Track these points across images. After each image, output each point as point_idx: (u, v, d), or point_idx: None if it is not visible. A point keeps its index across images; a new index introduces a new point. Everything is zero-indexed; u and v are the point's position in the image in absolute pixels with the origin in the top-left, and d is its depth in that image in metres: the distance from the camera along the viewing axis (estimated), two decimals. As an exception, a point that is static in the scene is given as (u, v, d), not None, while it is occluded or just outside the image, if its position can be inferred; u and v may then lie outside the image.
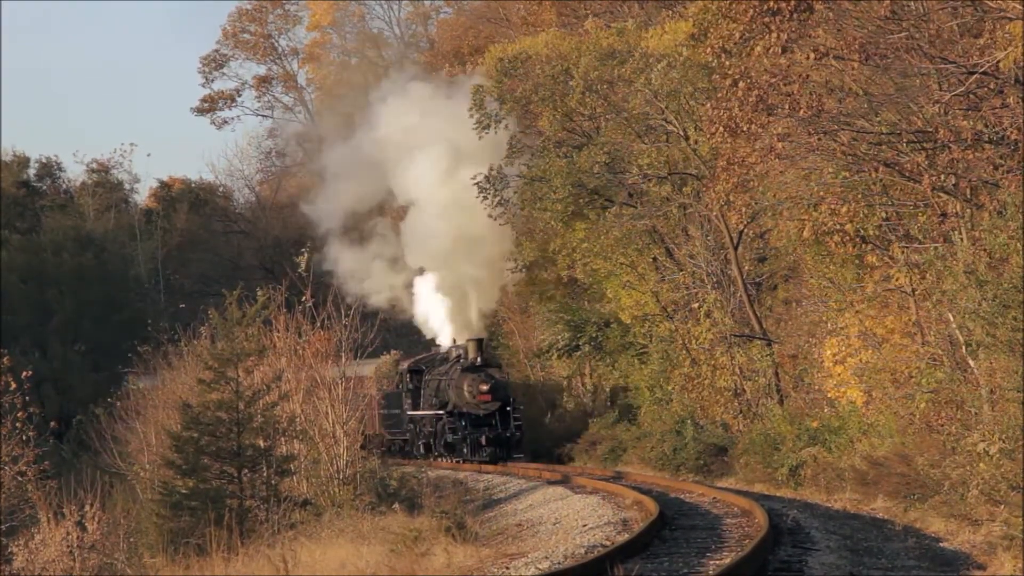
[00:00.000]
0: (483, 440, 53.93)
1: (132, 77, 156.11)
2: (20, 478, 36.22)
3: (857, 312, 38.54)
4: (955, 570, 24.14)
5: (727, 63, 41.09)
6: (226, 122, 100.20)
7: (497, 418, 54.34)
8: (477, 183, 53.58)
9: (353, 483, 35.81)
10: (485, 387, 54.37)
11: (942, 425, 32.39)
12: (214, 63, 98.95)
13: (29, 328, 72.45)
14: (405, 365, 59.43)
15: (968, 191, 31.87)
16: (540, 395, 62.36)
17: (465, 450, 54.33)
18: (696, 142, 50.11)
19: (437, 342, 61.66)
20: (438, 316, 61.05)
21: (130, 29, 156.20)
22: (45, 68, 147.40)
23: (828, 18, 33.45)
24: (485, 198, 53.58)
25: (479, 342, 56.09)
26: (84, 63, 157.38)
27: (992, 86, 29.82)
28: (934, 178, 31.12)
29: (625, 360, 56.79)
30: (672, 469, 47.51)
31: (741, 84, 37.44)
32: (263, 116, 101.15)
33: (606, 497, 37.85)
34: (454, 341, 58.50)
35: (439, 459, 55.78)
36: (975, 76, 29.15)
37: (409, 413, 58.80)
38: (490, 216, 53.91)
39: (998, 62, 28.68)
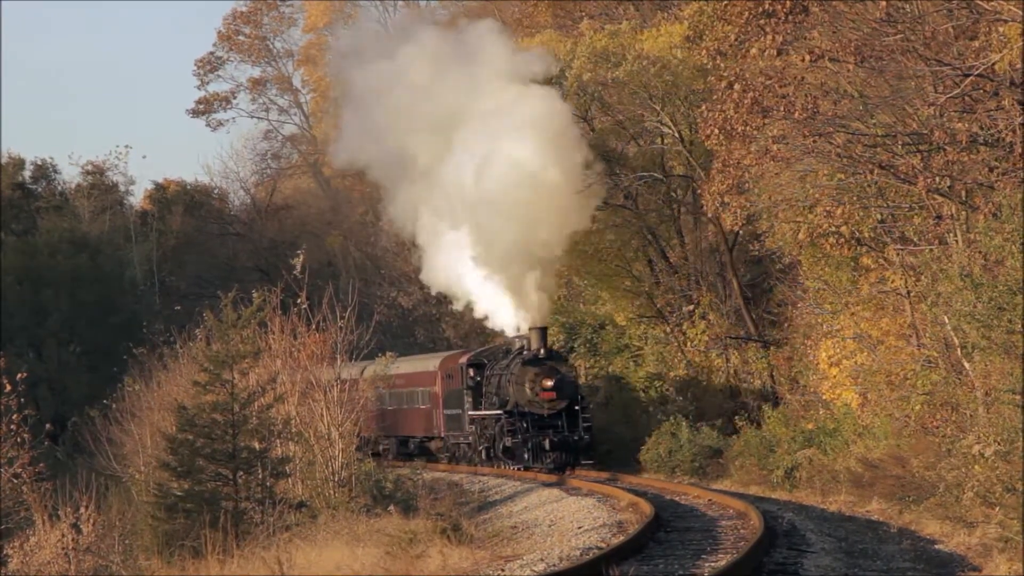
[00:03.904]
0: (546, 444, 47.58)
1: (127, 79, 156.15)
2: (15, 480, 36.16)
3: (852, 314, 38.59)
4: (950, 572, 24.15)
5: (722, 65, 41.20)
6: (221, 124, 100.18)
7: (563, 419, 47.74)
8: None
9: (349, 485, 35.81)
10: (549, 383, 47.53)
11: (937, 427, 32.45)
12: (209, 65, 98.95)
13: (24, 330, 72.37)
14: (465, 359, 52.87)
15: (963, 193, 31.91)
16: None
17: (527, 456, 47.83)
18: (691, 144, 50.16)
19: (499, 331, 54.68)
20: (498, 302, 53.02)
21: (125, 31, 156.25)
22: (40, 69, 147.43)
23: (823, 20, 33.50)
24: None
25: (542, 331, 49.21)
26: (79, 64, 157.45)
27: (987, 88, 29.85)
28: (929, 180, 31.15)
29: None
30: (668, 471, 47.48)
31: (736, 86, 37.52)
32: (258, 118, 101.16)
33: (601, 499, 37.85)
34: (518, 330, 51.04)
35: (501, 466, 49.62)
36: (970, 78, 29.18)
37: (470, 413, 51.82)
38: None
39: (993, 64, 28.72)
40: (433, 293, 60.19)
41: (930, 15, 30.13)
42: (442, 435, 55.30)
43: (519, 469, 48.03)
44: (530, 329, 49.21)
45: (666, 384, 52.78)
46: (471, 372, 51.64)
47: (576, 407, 47.82)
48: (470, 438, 52.19)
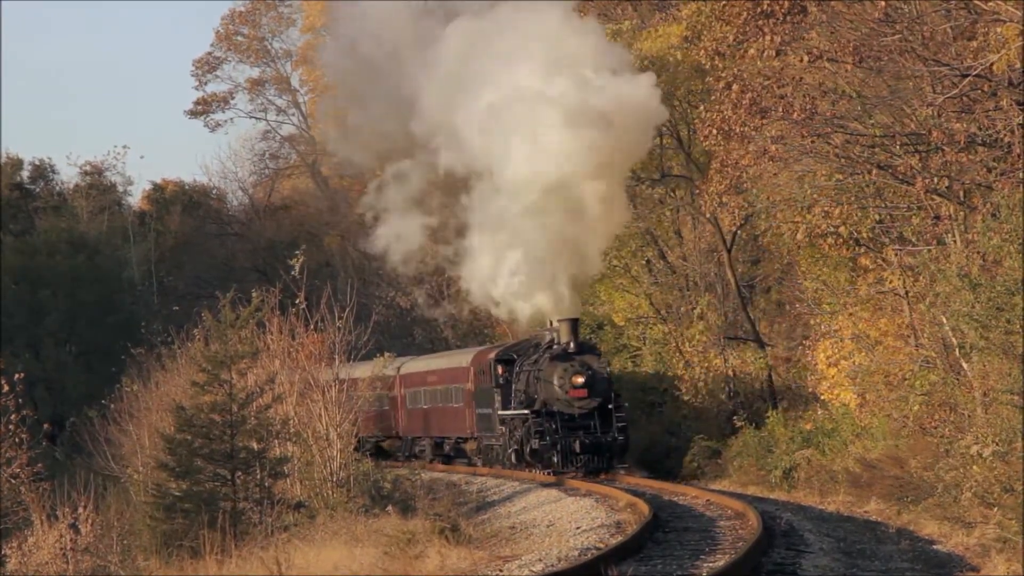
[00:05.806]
0: (577, 446, 44.10)
1: (127, 79, 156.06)
2: (14, 480, 36.17)
3: (851, 314, 38.59)
4: (948, 572, 24.16)
5: (720, 65, 41.22)
6: (219, 125, 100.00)
7: (596, 419, 44.46)
8: None
9: (347, 485, 35.80)
10: (580, 379, 44.29)
11: (935, 428, 32.46)
12: (207, 66, 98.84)
13: (22, 330, 72.30)
14: (493, 355, 49.23)
15: (961, 193, 31.94)
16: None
17: (556, 459, 44.37)
18: (690, 144, 50.16)
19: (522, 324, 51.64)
20: (520, 289, 48.85)
21: (125, 31, 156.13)
22: (40, 69, 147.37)
23: (822, 20, 33.53)
24: None
25: (573, 323, 45.62)
26: (79, 64, 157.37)
27: (985, 89, 29.88)
28: (927, 180, 31.18)
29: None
30: (666, 471, 47.45)
31: (735, 86, 37.52)
32: (256, 119, 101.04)
33: (599, 499, 37.83)
34: (550, 323, 47.04)
35: (529, 469, 46.30)
36: (968, 79, 29.21)
37: (500, 413, 48.09)
38: None
39: (991, 65, 28.74)
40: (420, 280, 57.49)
41: (928, 15, 30.16)
42: (475, 435, 51.92)
43: (549, 474, 44.75)
44: (559, 321, 45.87)
45: (664, 384, 52.75)
46: (500, 369, 48.16)
47: (609, 406, 44.55)
48: (501, 439, 48.56)
